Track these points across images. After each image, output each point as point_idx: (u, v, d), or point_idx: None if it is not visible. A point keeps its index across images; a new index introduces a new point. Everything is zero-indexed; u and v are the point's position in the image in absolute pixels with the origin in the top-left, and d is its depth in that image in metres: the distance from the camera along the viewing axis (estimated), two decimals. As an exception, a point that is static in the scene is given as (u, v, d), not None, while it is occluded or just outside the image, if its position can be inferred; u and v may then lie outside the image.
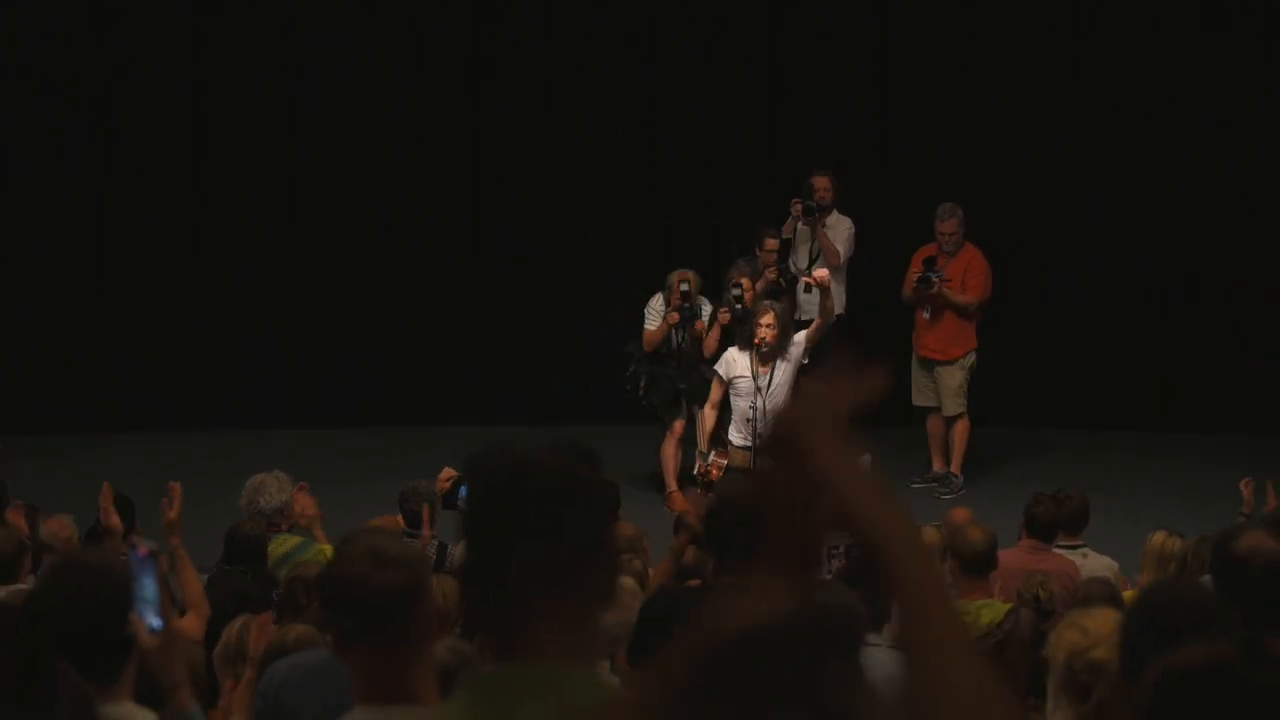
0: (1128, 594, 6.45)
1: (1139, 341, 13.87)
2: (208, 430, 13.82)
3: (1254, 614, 3.98)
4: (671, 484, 11.68)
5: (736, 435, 10.45)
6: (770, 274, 11.64)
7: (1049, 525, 7.99)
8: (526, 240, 14.27)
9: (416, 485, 8.43)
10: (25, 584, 6.20)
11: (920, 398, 12.26)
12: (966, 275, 12.11)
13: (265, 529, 7.76)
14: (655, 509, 11.05)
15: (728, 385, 10.62)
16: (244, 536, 7.48)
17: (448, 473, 8.60)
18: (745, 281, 11.36)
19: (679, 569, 7.05)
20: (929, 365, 12.23)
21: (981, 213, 12.68)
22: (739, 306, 11.12)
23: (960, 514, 8.59)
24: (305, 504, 8.27)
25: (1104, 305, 13.87)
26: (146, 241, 13.99)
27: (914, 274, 12.10)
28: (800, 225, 12.13)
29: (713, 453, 10.67)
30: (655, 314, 11.68)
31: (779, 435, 1.89)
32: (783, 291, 11.63)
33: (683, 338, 11.59)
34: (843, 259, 12.09)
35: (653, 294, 11.75)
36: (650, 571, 7.10)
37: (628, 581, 6.14)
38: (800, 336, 10.55)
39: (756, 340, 10.39)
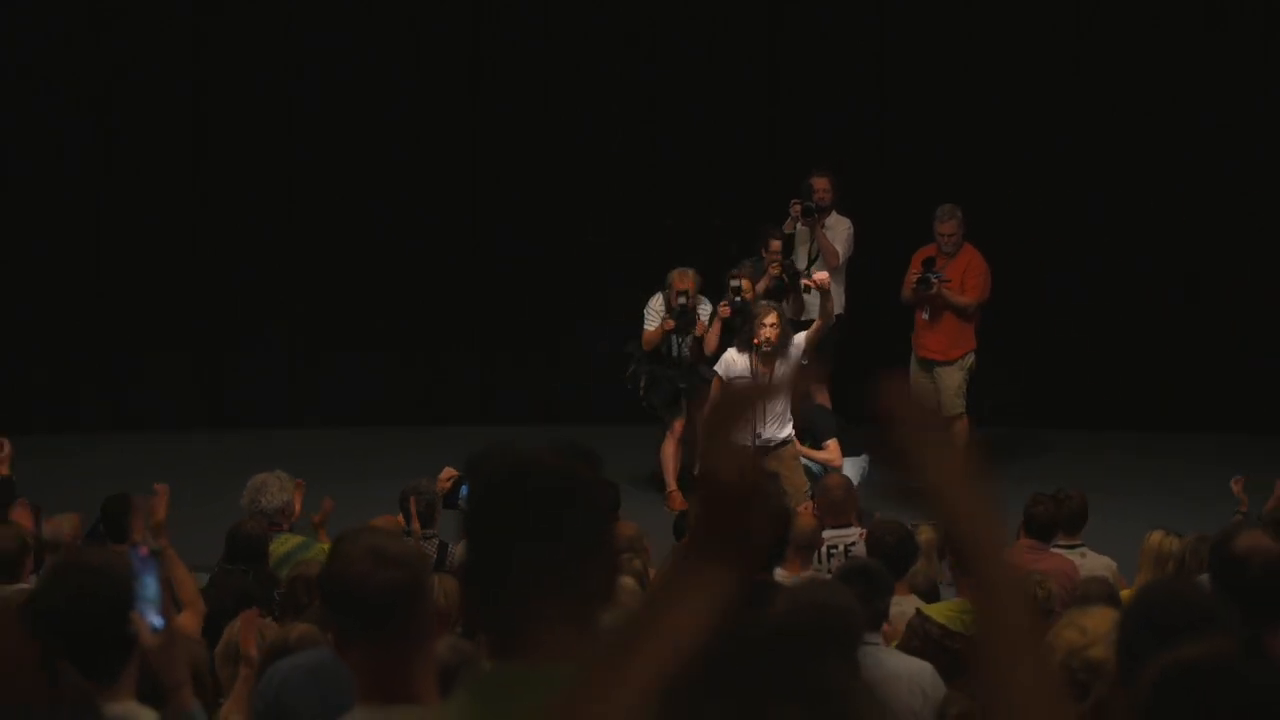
0: (1125, 593, 6.45)
1: (1139, 341, 13.87)
2: (208, 430, 13.83)
3: (1253, 613, 3.99)
4: (671, 484, 11.69)
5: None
6: (774, 270, 11.64)
7: (1048, 525, 8.00)
8: (526, 240, 14.27)
9: (417, 485, 8.45)
10: (27, 583, 6.20)
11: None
12: (966, 276, 12.12)
13: (266, 528, 7.78)
14: (655, 509, 11.06)
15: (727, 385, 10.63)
16: (245, 536, 7.49)
17: (448, 472, 8.62)
18: (746, 282, 11.37)
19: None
20: (928, 366, 12.24)
21: (981, 213, 12.68)
22: (739, 300, 11.13)
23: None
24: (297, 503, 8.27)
25: (1104, 305, 13.87)
26: (146, 241, 14.00)
27: (913, 275, 12.11)
28: (800, 226, 12.13)
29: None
30: (655, 314, 11.69)
31: (721, 423, 1.91)
32: (787, 290, 11.64)
33: (681, 345, 11.60)
34: (842, 259, 12.10)
35: (653, 294, 11.75)
36: (651, 572, 7.11)
37: (628, 581, 6.14)
38: (800, 338, 10.55)
39: (758, 340, 10.38)
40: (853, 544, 8.23)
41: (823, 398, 12.02)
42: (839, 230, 12.20)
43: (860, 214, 12.38)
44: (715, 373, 10.82)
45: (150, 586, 3.51)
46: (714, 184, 14.07)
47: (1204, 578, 4.88)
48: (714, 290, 11.56)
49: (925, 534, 8.10)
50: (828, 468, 10.36)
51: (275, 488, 8.08)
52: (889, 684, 5.26)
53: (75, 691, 3.44)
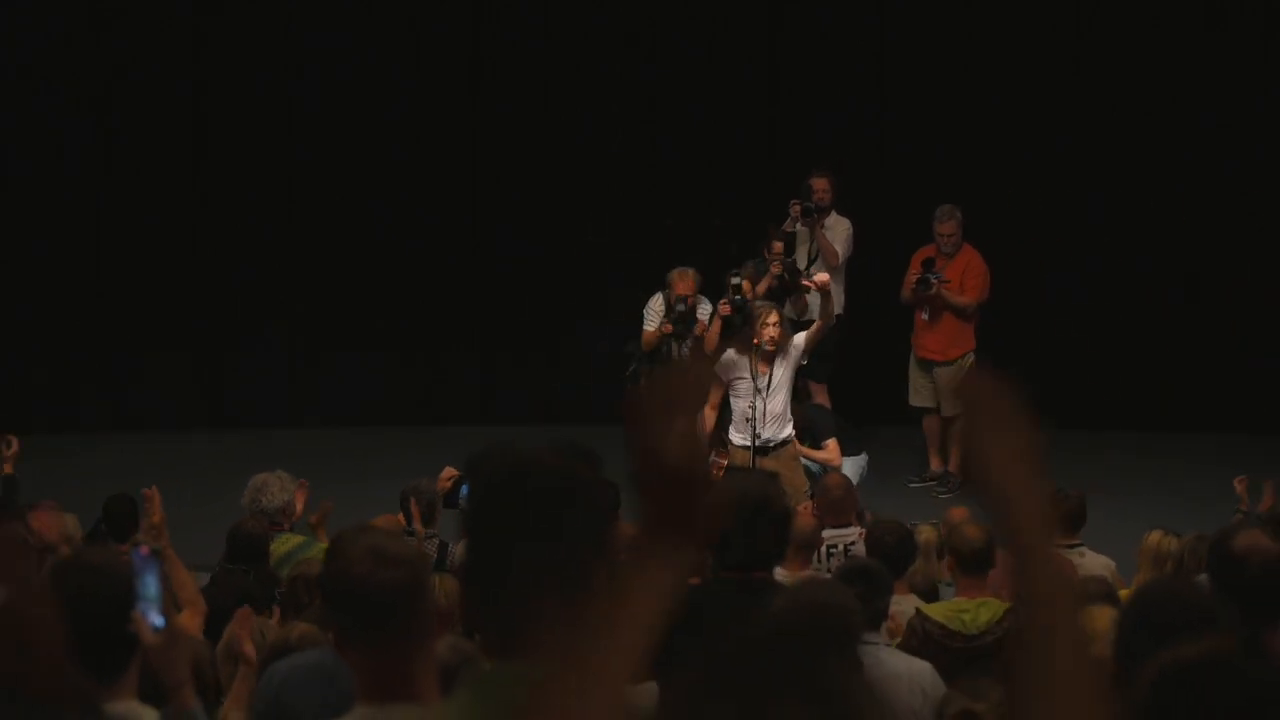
0: (1124, 593, 6.45)
1: (1139, 341, 13.87)
2: (208, 430, 13.83)
3: (1251, 612, 3.99)
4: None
5: (736, 435, 10.46)
6: (775, 269, 11.65)
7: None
8: (526, 240, 14.27)
9: (418, 484, 8.46)
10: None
11: (917, 398, 12.28)
12: (965, 277, 12.13)
13: (267, 528, 7.79)
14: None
15: (727, 386, 10.63)
16: (246, 535, 7.51)
17: (449, 472, 8.61)
18: (746, 283, 11.38)
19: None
20: (927, 366, 12.25)
21: (981, 213, 12.68)
22: (739, 298, 11.15)
23: (958, 512, 8.61)
24: (299, 504, 8.28)
25: (1104, 305, 13.87)
26: (146, 241, 14.00)
27: (913, 275, 12.12)
28: (799, 226, 12.14)
29: (713, 453, 10.67)
30: (654, 314, 11.69)
31: (660, 401, 1.91)
32: (790, 290, 11.65)
33: (681, 349, 11.61)
34: (841, 260, 12.10)
35: (653, 294, 11.76)
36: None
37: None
38: (800, 338, 10.56)
39: (757, 340, 10.38)
40: (852, 543, 8.23)
41: (822, 398, 12.03)
42: (838, 230, 12.20)
43: (860, 214, 12.39)
44: (715, 374, 10.82)
45: (151, 586, 3.52)
46: (714, 184, 14.07)
47: (1203, 577, 4.88)
48: (714, 290, 11.56)
49: (924, 534, 8.12)
50: (827, 467, 10.36)
51: (276, 487, 8.09)
52: (889, 683, 5.27)
53: (78, 690, 3.44)
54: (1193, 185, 13.75)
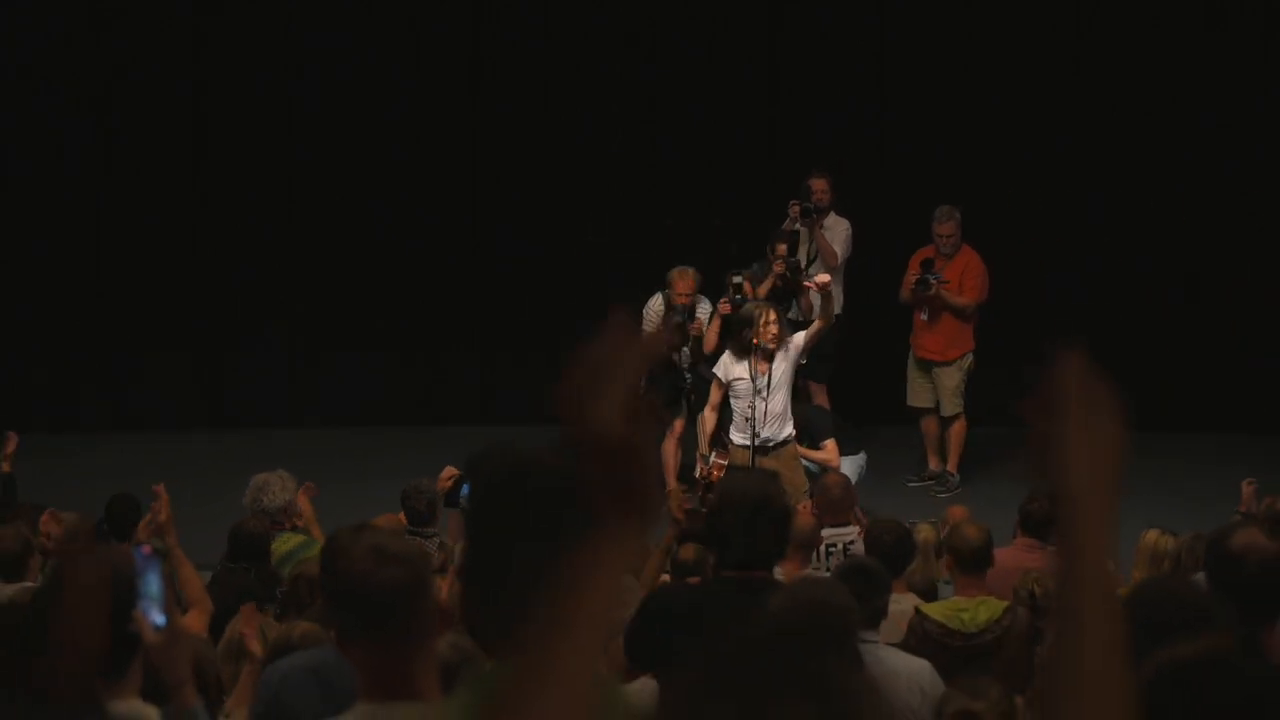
0: (1121, 591, 6.46)
1: (1139, 341, 13.87)
2: (208, 430, 13.83)
3: (1248, 611, 4.00)
4: (671, 483, 11.69)
5: (737, 435, 10.47)
6: (779, 267, 11.67)
7: (1044, 523, 8.01)
8: (526, 240, 14.27)
9: (419, 484, 8.47)
10: (33, 583, 6.23)
11: (916, 398, 12.28)
12: (964, 277, 12.13)
13: (268, 527, 7.81)
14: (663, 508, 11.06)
15: (726, 387, 10.64)
16: (247, 534, 7.53)
17: (449, 472, 8.62)
18: (747, 286, 11.41)
19: (675, 565, 7.06)
20: (926, 366, 12.25)
21: (981, 213, 12.69)
22: (739, 297, 11.17)
23: (957, 512, 8.62)
24: (300, 504, 8.30)
25: (1104, 305, 13.87)
26: (146, 241, 14.01)
27: (912, 276, 12.12)
28: (798, 227, 12.15)
29: (713, 454, 10.68)
30: (654, 314, 11.71)
31: (593, 374, 1.90)
32: (794, 290, 11.66)
33: (681, 354, 11.64)
34: (840, 260, 12.11)
35: (652, 294, 11.77)
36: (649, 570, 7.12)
37: (627, 579, 6.15)
38: (799, 337, 10.56)
39: (757, 340, 10.39)
40: (851, 542, 8.24)
41: (822, 398, 12.04)
42: (837, 231, 12.21)
43: (860, 214, 12.39)
44: (715, 374, 10.83)
45: (153, 584, 3.52)
46: (714, 184, 14.07)
47: (1200, 576, 4.89)
48: (714, 290, 11.57)
49: (923, 533, 8.13)
50: (826, 467, 10.37)
51: (277, 487, 8.12)
52: (887, 682, 5.28)
53: (81, 689, 3.45)
54: (1193, 185, 13.75)
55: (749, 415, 10.31)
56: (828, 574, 6.79)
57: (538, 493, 2.43)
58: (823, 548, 8.20)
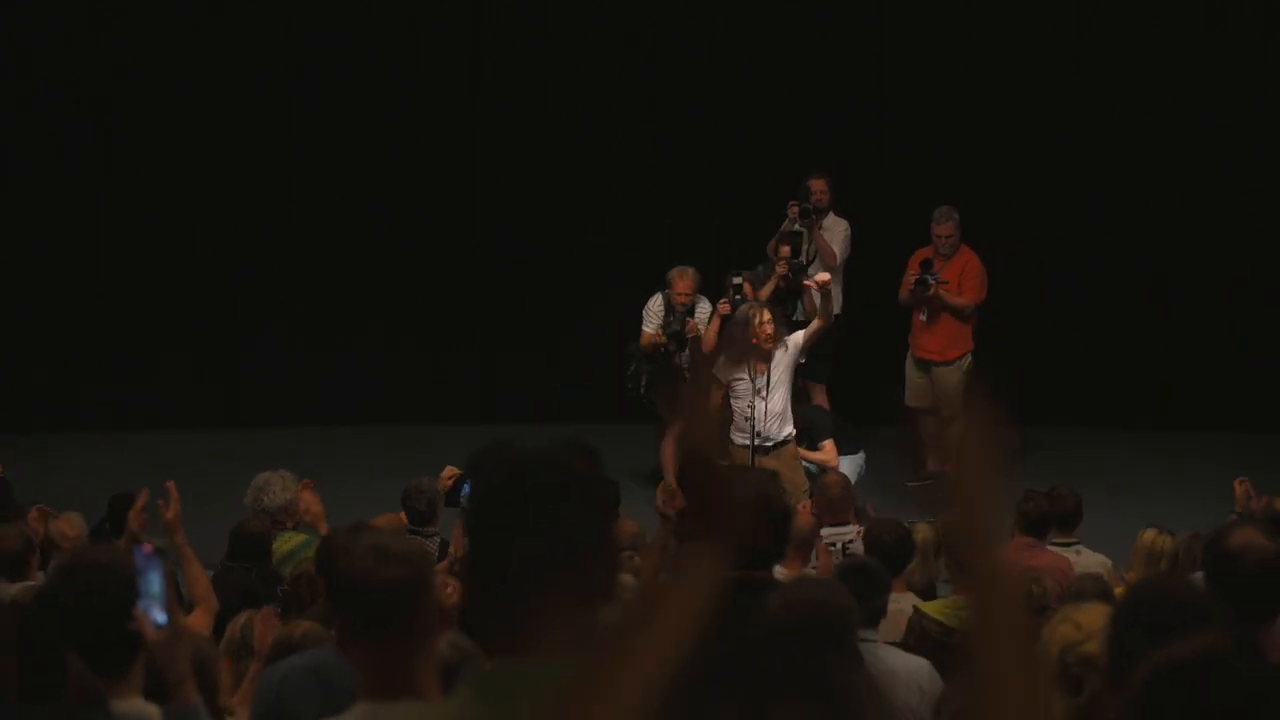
0: (1119, 591, 6.47)
1: (1139, 341, 13.88)
2: (208, 430, 13.84)
3: (1246, 610, 4.00)
4: (671, 481, 11.70)
5: (737, 434, 10.48)
6: (781, 268, 11.68)
7: (1040, 522, 8.03)
8: (526, 240, 14.28)
9: (419, 483, 8.48)
10: (35, 582, 6.24)
11: (914, 399, 12.27)
12: (963, 278, 12.14)
13: (269, 526, 7.82)
14: (655, 507, 11.05)
15: (726, 387, 10.66)
16: (248, 534, 7.54)
17: (450, 471, 8.63)
18: (747, 287, 11.41)
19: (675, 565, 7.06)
20: (925, 366, 12.26)
21: (981, 213, 12.69)
22: (739, 298, 11.18)
23: (957, 512, 8.61)
24: (310, 501, 8.31)
25: (1104, 305, 13.88)
26: (146, 241, 14.01)
27: (911, 276, 12.13)
28: (797, 228, 12.15)
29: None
30: (654, 314, 11.71)
31: (698, 397, 1.93)
32: (796, 292, 11.66)
33: (680, 356, 11.66)
34: (839, 260, 12.11)
35: (652, 294, 11.77)
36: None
37: (628, 579, 6.16)
38: (798, 336, 10.58)
39: (756, 341, 10.40)
40: (850, 542, 8.25)
41: (821, 398, 12.04)
42: (836, 231, 12.21)
43: (860, 214, 12.39)
44: (714, 375, 10.84)
45: (154, 583, 3.53)
46: (714, 184, 14.08)
47: (1198, 575, 4.89)
48: (714, 290, 11.57)
49: (922, 533, 8.13)
50: (825, 467, 10.38)
51: (278, 486, 8.13)
52: (886, 680, 5.28)
53: (85, 687, 3.46)
54: (1193, 185, 13.75)
55: (749, 415, 10.32)
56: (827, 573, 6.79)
57: (538, 490, 2.44)
58: (822, 547, 8.21)
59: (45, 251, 13.91)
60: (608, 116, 14.26)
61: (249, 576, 7.20)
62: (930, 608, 6.59)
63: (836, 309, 11.56)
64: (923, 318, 12.19)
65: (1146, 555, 7.60)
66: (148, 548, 3.58)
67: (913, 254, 12.25)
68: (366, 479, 11.26)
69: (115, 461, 12.07)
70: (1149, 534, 7.72)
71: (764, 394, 10.33)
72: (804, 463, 10.56)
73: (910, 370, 12.28)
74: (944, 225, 12.16)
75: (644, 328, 11.73)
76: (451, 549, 7.58)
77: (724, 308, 11.29)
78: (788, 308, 11.60)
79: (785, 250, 11.79)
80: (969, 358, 12.18)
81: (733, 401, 10.56)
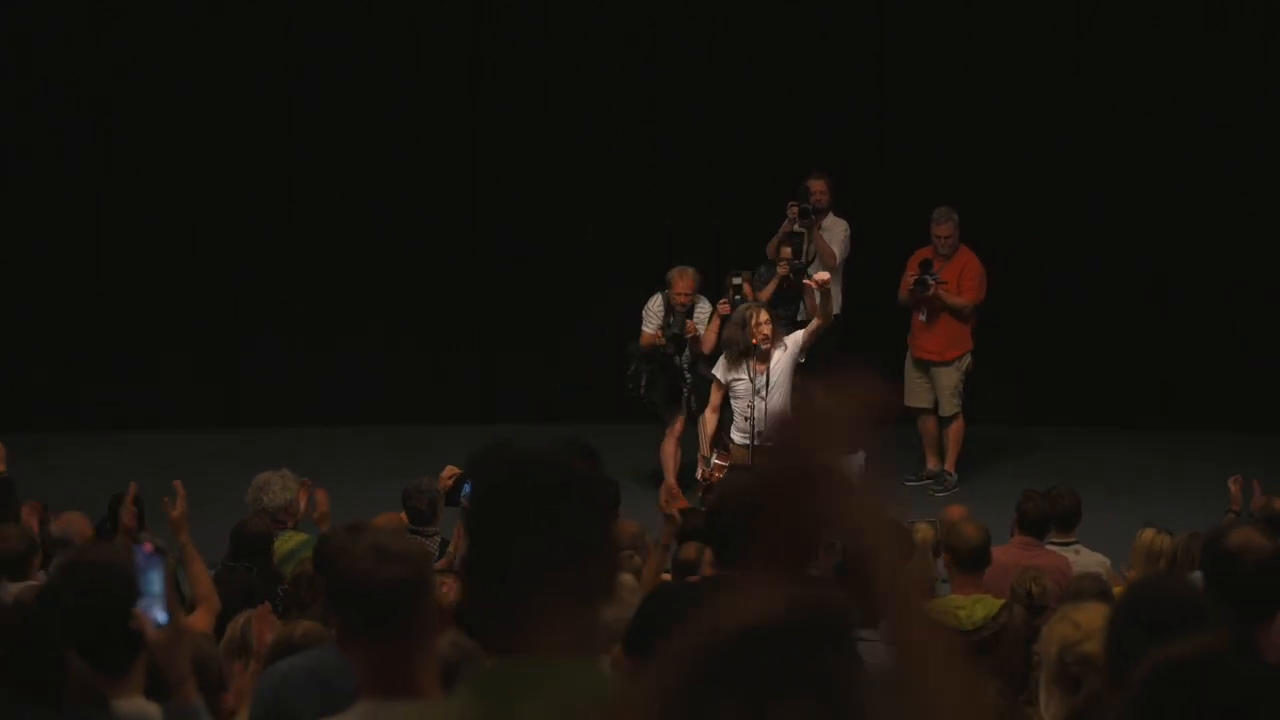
0: (1118, 590, 6.48)
1: (1139, 341, 13.88)
2: (208, 430, 13.84)
3: (1244, 610, 4.01)
4: (671, 481, 11.72)
5: (737, 434, 10.49)
6: (782, 270, 11.69)
7: (1040, 522, 8.04)
8: (526, 240, 14.28)
9: (419, 483, 8.49)
10: (36, 581, 6.25)
11: (913, 399, 12.28)
12: (961, 278, 12.15)
13: (270, 526, 7.83)
14: (656, 507, 11.06)
15: (726, 388, 10.66)
16: (249, 533, 7.55)
17: (450, 470, 8.64)
18: (747, 287, 11.42)
19: (676, 564, 7.08)
20: (924, 366, 12.27)
21: (981, 213, 12.70)
22: (739, 298, 11.19)
23: (955, 511, 8.64)
24: (320, 501, 8.30)
25: (1104, 305, 13.89)
26: (146, 241, 14.01)
27: (910, 276, 12.14)
28: (796, 228, 12.16)
29: (714, 456, 10.71)
30: (654, 315, 11.72)
31: (782, 436, 1.92)
32: (798, 292, 11.67)
33: (681, 358, 11.67)
34: (839, 261, 12.12)
35: (652, 294, 11.78)
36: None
37: (628, 579, 6.17)
38: (798, 336, 10.58)
39: (756, 341, 10.41)
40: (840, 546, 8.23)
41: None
42: (835, 232, 12.22)
43: (860, 214, 12.40)
44: (714, 376, 10.85)
45: (154, 582, 3.53)
46: (714, 184, 14.08)
47: (1196, 575, 4.90)
48: (714, 290, 11.58)
49: (921, 532, 8.14)
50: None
51: (278, 486, 8.14)
52: (885, 679, 5.28)
53: (86, 687, 3.47)
54: (1193, 185, 13.75)
55: (749, 415, 10.33)
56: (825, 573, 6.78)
57: (537, 489, 2.44)
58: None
59: (45, 251, 13.91)
60: (608, 116, 14.27)
61: (250, 576, 7.22)
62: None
63: (836, 309, 11.57)
64: (922, 318, 12.20)
65: (1145, 555, 7.61)
66: (148, 547, 3.58)
67: (912, 254, 12.26)
68: (366, 479, 11.27)
69: (115, 461, 12.06)
70: (1147, 533, 7.73)
71: (763, 394, 10.33)
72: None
73: (909, 370, 12.29)
74: (943, 226, 12.17)
75: (644, 328, 11.74)
76: (451, 547, 7.60)
77: (724, 308, 11.30)
78: (791, 309, 11.61)
79: (787, 252, 11.80)
80: (968, 358, 12.20)
81: (733, 402, 10.57)
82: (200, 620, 6.03)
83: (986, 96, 13.94)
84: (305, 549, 7.67)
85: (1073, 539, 8.30)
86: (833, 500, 1.87)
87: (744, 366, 10.46)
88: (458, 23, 14.40)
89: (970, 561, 6.97)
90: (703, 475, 10.79)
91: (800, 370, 10.85)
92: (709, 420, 10.90)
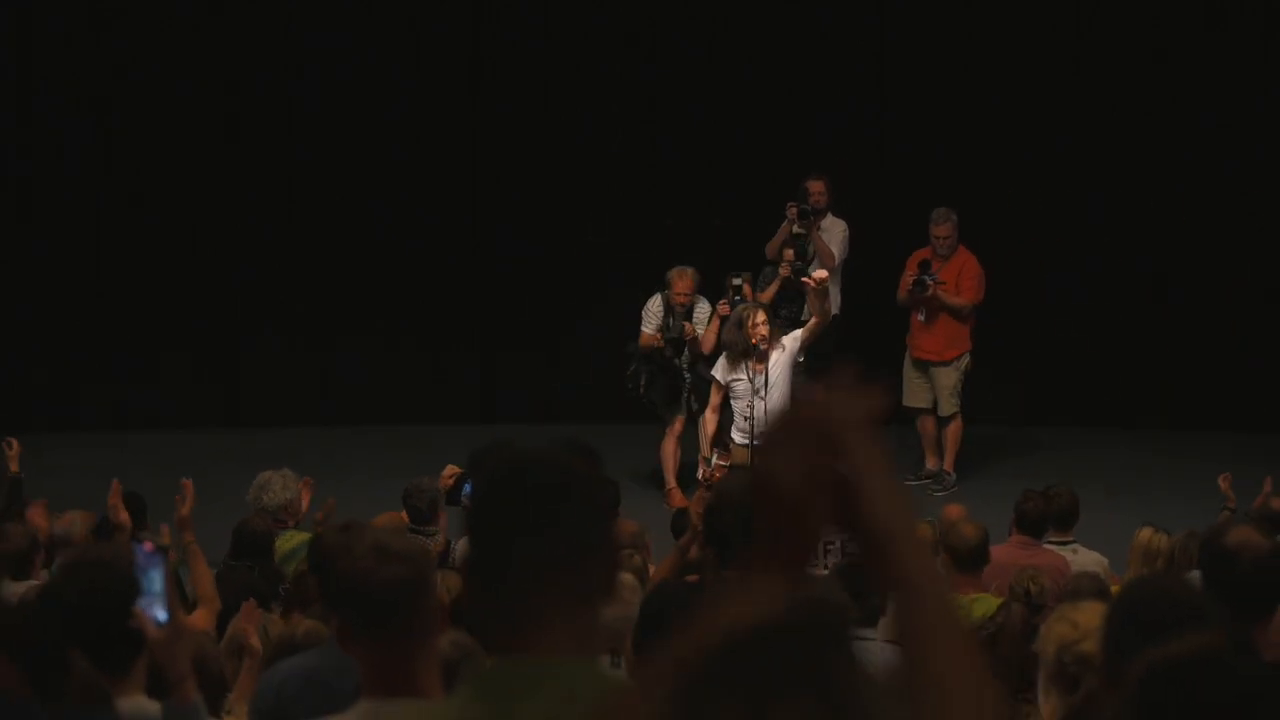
0: (1116, 589, 6.49)
1: (1139, 341, 13.89)
2: (208, 430, 13.84)
3: (1241, 609, 4.02)
4: (671, 481, 11.74)
5: (738, 433, 10.50)
6: (784, 270, 11.70)
7: (1038, 521, 8.05)
8: (526, 240, 14.29)
9: (420, 482, 8.49)
10: (39, 580, 6.26)
11: (912, 399, 12.29)
12: (960, 279, 12.15)
13: (271, 525, 7.84)
14: (656, 506, 11.09)
15: (726, 388, 10.67)
16: (251, 532, 7.56)
17: (451, 470, 8.65)
18: (746, 288, 11.42)
19: (684, 565, 7.08)
20: (923, 366, 12.28)
21: (981, 213, 12.70)
22: (738, 298, 11.20)
23: (953, 510, 8.65)
24: (327, 507, 8.33)
25: (1104, 305, 13.89)
26: (146, 241, 14.02)
27: (909, 277, 12.15)
28: (796, 229, 12.16)
29: (715, 456, 10.72)
30: (653, 315, 11.73)
31: (781, 432, 1.92)
32: (800, 291, 11.68)
33: (680, 359, 11.68)
34: (837, 261, 12.13)
35: (652, 294, 11.79)
36: (651, 568, 7.14)
37: (628, 578, 6.17)
38: (797, 335, 10.59)
39: (755, 341, 10.42)
40: (849, 541, 8.24)
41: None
42: (834, 232, 12.22)
43: (859, 215, 12.40)
44: (714, 376, 10.86)
45: (155, 581, 3.54)
46: (714, 184, 14.09)
47: (1194, 574, 4.91)
48: (714, 290, 11.58)
49: (921, 530, 8.14)
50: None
51: (279, 485, 8.15)
52: (887, 676, 5.28)
53: (90, 685, 3.47)
54: (1193, 185, 13.76)
55: (749, 415, 10.34)
56: (826, 573, 6.79)
57: (537, 489, 2.44)
58: (821, 546, 8.21)
59: (45, 251, 13.91)
60: (608, 116, 14.27)
61: (251, 575, 7.23)
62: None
63: (835, 309, 11.58)
64: (921, 318, 12.21)
65: (1143, 554, 7.62)
66: (149, 546, 3.59)
67: (911, 254, 12.27)
68: (366, 479, 11.28)
69: (115, 461, 12.05)
70: (1145, 532, 7.74)
71: (763, 394, 10.34)
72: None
73: (908, 370, 12.30)
74: (942, 226, 12.18)
75: (643, 328, 11.74)
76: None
77: (723, 308, 11.31)
78: (795, 309, 11.61)
79: (789, 254, 11.81)
80: (967, 358, 12.21)
81: (733, 402, 10.57)
82: (201, 619, 6.04)
83: (986, 96, 13.94)
84: (306, 548, 7.69)
85: (1070, 538, 8.32)
86: (847, 488, 1.87)
87: (743, 367, 10.46)
88: (458, 23, 14.40)
89: (969, 561, 6.98)
90: (703, 475, 10.79)
91: (799, 370, 10.86)
92: (709, 420, 10.91)
